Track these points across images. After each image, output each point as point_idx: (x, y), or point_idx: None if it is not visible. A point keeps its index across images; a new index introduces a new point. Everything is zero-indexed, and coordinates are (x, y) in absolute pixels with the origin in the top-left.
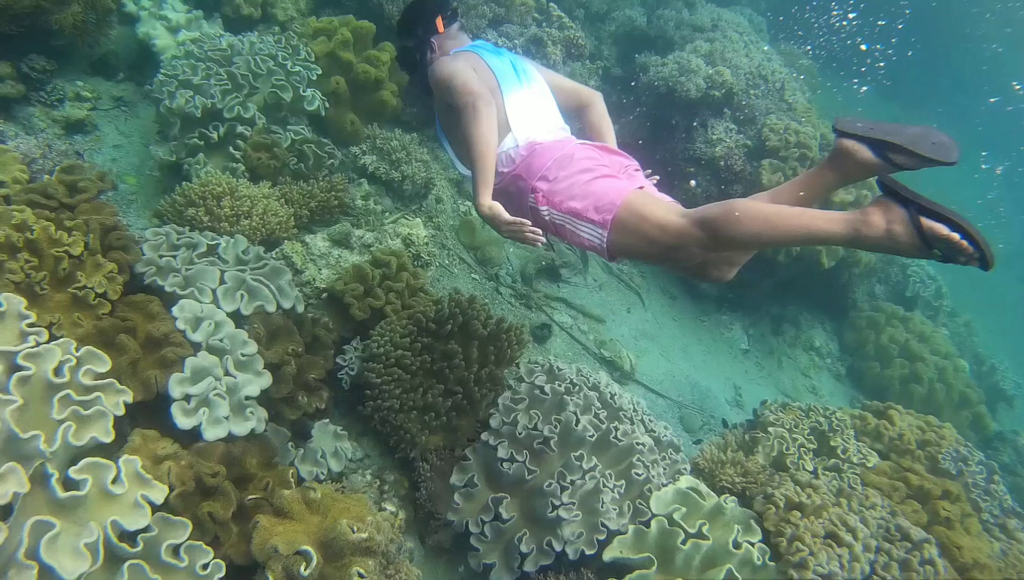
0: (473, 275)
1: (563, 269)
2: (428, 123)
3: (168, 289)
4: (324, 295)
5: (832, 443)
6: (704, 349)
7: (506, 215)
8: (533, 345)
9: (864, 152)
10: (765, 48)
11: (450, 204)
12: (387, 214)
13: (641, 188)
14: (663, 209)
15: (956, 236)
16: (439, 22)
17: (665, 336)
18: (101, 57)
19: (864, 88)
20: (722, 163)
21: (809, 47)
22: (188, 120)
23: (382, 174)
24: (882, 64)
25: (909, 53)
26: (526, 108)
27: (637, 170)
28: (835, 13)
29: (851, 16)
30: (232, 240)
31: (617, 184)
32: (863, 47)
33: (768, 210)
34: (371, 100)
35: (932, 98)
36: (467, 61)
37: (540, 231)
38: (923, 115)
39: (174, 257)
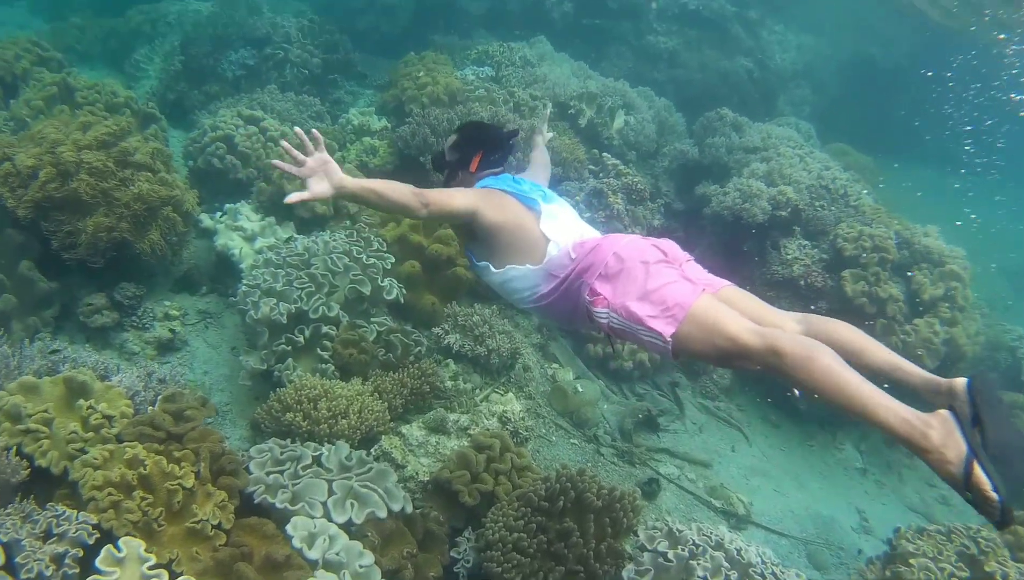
0: (572, 440)
1: (660, 418)
2: None
3: (279, 506)
4: (429, 486)
5: (987, 568)
6: (818, 475)
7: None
8: (644, 502)
9: (962, 409)
10: (819, 155)
11: (538, 370)
12: (477, 391)
13: (704, 290)
14: (735, 323)
15: (995, 496)
16: (475, 161)
17: (775, 469)
18: (184, 274)
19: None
20: (802, 282)
21: None
22: (274, 327)
23: (467, 351)
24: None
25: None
26: (561, 218)
27: (689, 260)
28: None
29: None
30: (334, 447)
31: (683, 289)
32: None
33: (844, 379)
34: (446, 277)
35: None
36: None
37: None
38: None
39: (280, 473)
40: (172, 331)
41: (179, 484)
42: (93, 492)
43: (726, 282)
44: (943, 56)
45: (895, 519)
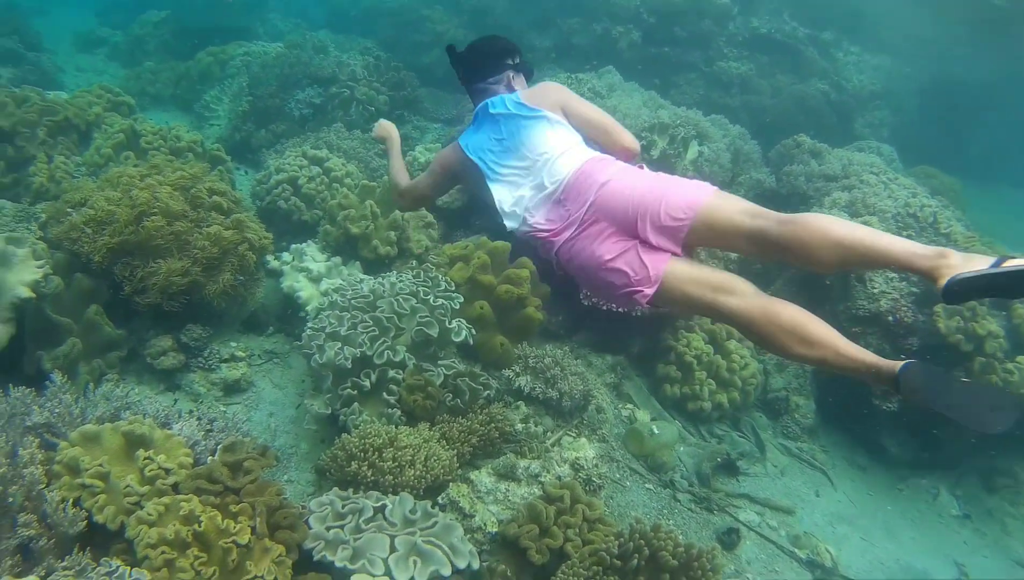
0: (647, 485)
1: (740, 461)
2: (576, 330)
3: (339, 564)
4: (498, 538)
5: None
6: (910, 523)
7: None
8: (723, 553)
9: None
10: (904, 180)
11: (611, 411)
12: (549, 434)
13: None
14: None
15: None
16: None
17: (863, 516)
18: (251, 314)
19: None
20: (890, 318)
21: None
22: (340, 371)
23: (539, 394)
24: None
25: None
26: (512, 182)
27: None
28: None
29: None
30: (398, 499)
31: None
32: None
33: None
34: (516, 318)
35: None
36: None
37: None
38: None
39: (341, 527)
40: (239, 372)
41: (234, 541)
42: (147, 551)
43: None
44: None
45: (1000, 574)
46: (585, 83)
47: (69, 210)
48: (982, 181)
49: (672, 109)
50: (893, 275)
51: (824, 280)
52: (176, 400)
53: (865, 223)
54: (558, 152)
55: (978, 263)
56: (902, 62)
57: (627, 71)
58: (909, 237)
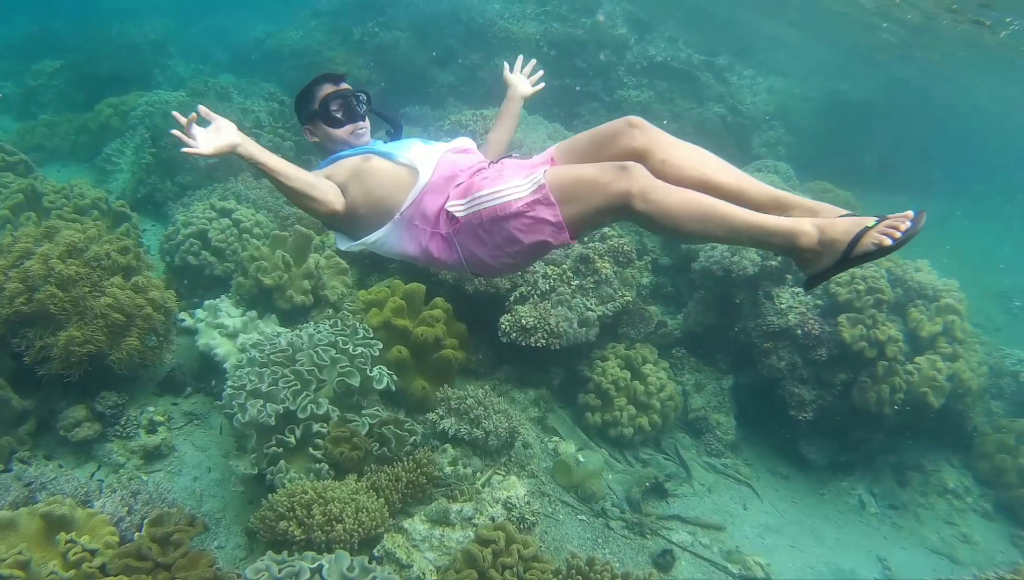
0: (580, 516)
1: (668, 483)
2: (497, 366)
3: None
4: None
5: None
6: (834, 526)
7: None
8: (659, 576)
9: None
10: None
11: (538, 445)
12: (478, 475)
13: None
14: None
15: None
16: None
17: (790, 524)
18: (167, 376)
19: None
20: (799, 331)
21: None
22: (263, 429)
23: (464, 435)
24: None
25: None
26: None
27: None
28: None
29: None
30: (334, 558)
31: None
32: None
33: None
34: (435, 359)
35: None
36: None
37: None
38: None
39: None
40: (158, 438)
41: None
42: None
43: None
44: (910, 87)
45: (918, 564)
46: (489, 119)
47: None
48: (876, 192)
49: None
50: (799, 290)
51: (735, 299)
52: (94, 474)
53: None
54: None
55: (822, 259)
56: (793, 83)
57: (531, 104)
58: None
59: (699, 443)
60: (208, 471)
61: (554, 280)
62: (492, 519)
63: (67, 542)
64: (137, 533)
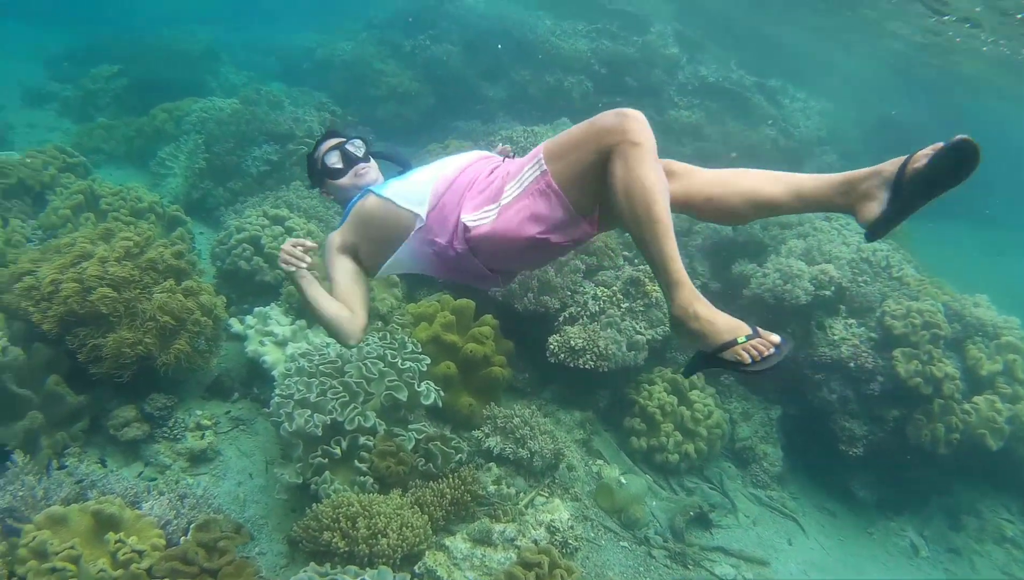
0: (622, 543)
1: (712, 513)
2: (543, 385)
3: None
4: None
5: None
6: (881, 567)
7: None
8: None
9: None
10: (854, 224)
11: (582, 468)
12: (521, 495)
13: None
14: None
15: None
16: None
17: (835, 563)
18: (215, 381)
19: None
20: (851, 364)
21: None
22: (310, 439)
23: (509, 454)
24: None
25: None
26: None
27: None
28: None
29: None
30: (376, 574)
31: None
32: None
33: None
34: (482, 376)
35: None
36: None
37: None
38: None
39: None
40: (205, 441)
41: None
42: None
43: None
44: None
45: None
46: (540, 135)
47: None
48: (926, 218)
49: None
50: (852, 321)
51: (786, 328)
52: (141, 473)
53: (822, 272)
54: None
55: (875, 202)
56: (846, 106)
57: (580, 120)
58: (865, 282)
59: (745, 474)
60: (252, 477)
61: (604, 302)
62: (535, 542)
63: (116, 542)
64: (183, 538)
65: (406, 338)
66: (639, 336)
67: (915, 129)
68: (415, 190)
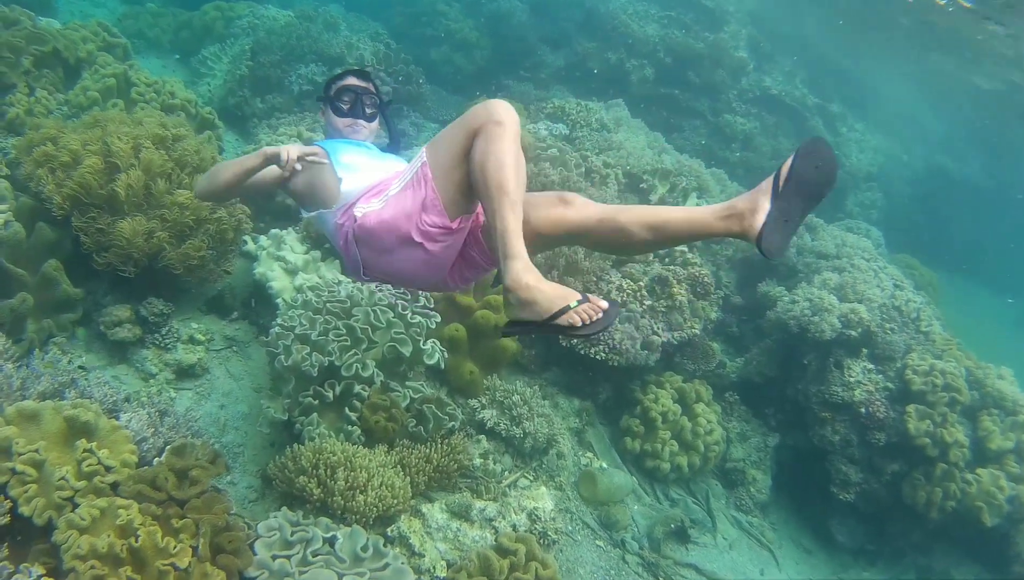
0: (598, 542)
1: (691, 529)
2: (546, 366)
3: None
4: None
5: None
6: None
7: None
8: None
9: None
10: (892, 270)
11: (571, 458)
12: (506, 474)
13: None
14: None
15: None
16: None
17: None
18: (216, 295)
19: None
20: (863, 410)
21: None
22: (303, 377)
23: (502, 430)
24: None
25: None
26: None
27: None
28: None
29: None
30: (349, 532)
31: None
32: None
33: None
34: (490, 346)
35: None
36: None
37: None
38: None
39: (288, 558)
40: (195, 356)
41: (172, 564)
42: (75, 562)
43: None
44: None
45: None
46: (594, 113)
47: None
48: (957, 275)
49: (675, 156)
50: (871, 366)
51: (803, 358)
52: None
53: (853, 312)
54: None
55: (760, 212)
56: (901, 147)
57: (634, 106)
58: (892, 330)
59: (730, 495)
60: (236, 402)
61: (627, 295)
62: (514, 527)
63: (85, 451)
64: (157, 458)
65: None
66: (655, 337)
67: (964, 185)
68: (358, 180)
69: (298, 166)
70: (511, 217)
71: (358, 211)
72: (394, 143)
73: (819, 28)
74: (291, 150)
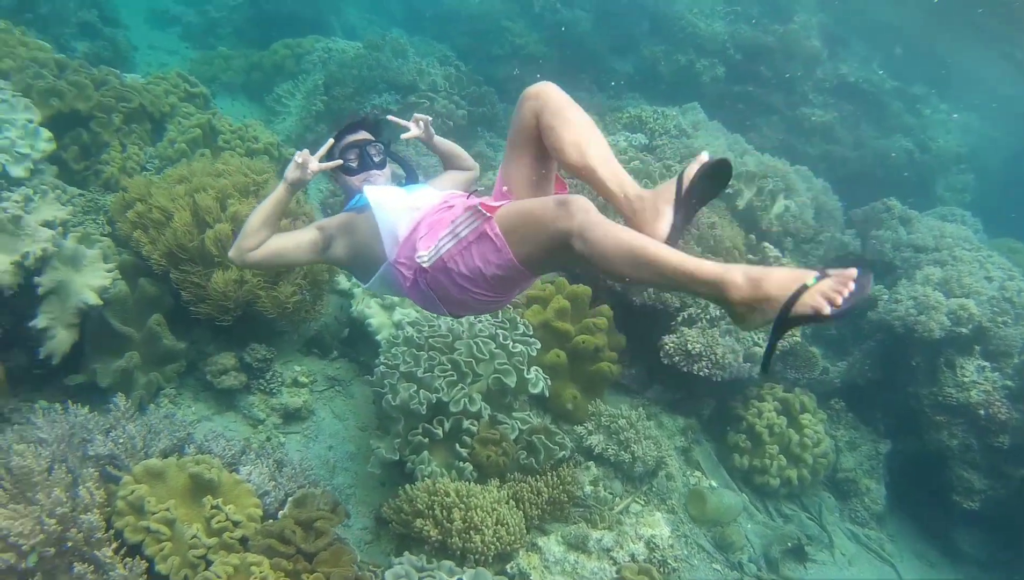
0: (715, 565)
1: (808, 546)
2: (647, 385)
3: None
4: None
5: None
6: None
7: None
8: None
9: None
10: (998, 259)
11: (680, 479)
12: (617, 500)
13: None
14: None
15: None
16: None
17: None
18: (314, 336)
19: None
20: (981, 411)
21: None
22: (412, 415)
23: (611, 456)
24: None
25: None
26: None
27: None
28: None
29: None
30: (474, 575)
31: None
32: None
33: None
34: (590, 370)
35: None
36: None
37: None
38: None
39: None
40: (300, 399)
41: None
42: None
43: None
44: None
45: None
46: (671, 119)
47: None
48: None
49: (756, 156)
50: (986, 364)
51: (910, 359)
52: (232, 431)
53: (961, 308)
54: None
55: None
56: (990, 125)
57: (708, 107)
58: (1006, 323)
59: (844, 507)
60: (343, 442)
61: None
62: (633, 557)
63: (213, 507)
64: (280, 511)
65: (517, 318)
66: (757, 348)
67: None
68: (393, 220)
69: (320, 165)
70: (673, 259)
71: (423, 260)
72: (411, 176)
73: (895, 10)
74: (303, 156)
